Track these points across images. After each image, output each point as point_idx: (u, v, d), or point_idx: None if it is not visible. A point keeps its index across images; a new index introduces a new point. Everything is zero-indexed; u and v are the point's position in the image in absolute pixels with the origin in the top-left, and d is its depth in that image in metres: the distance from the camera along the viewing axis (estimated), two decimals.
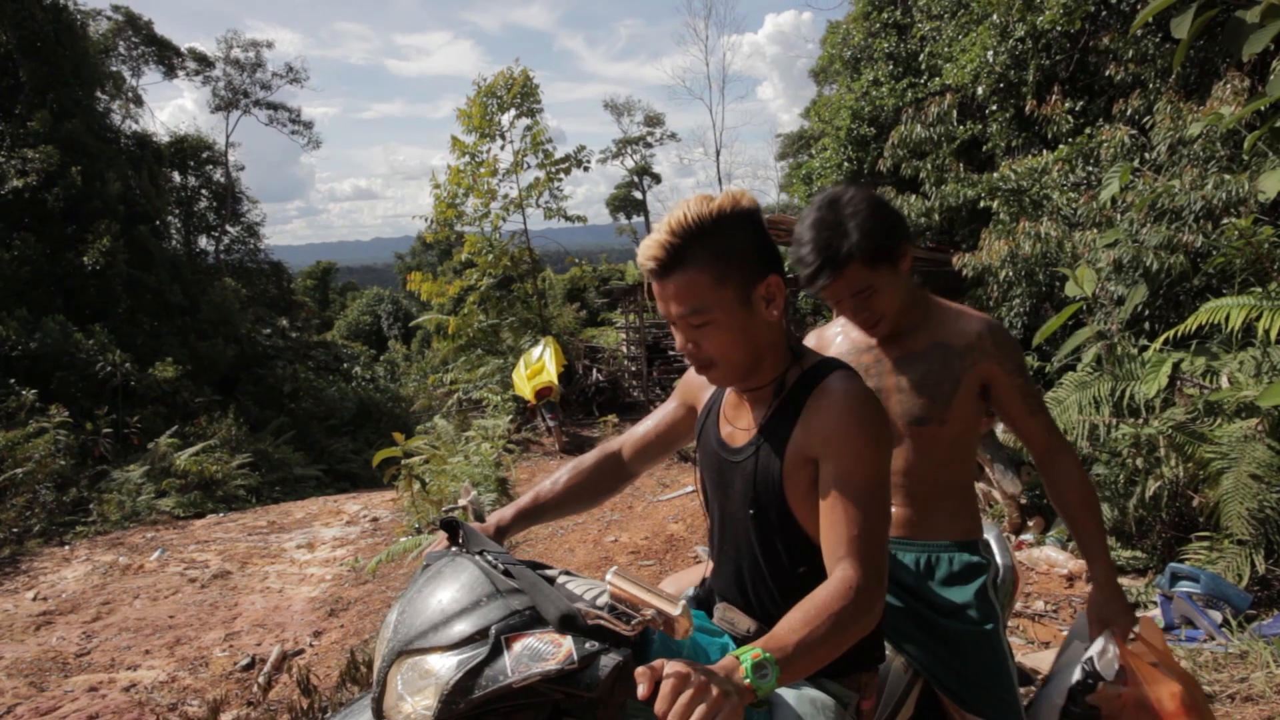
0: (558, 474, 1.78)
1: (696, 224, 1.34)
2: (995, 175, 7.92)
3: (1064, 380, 5.27)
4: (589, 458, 1.80)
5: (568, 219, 13.95)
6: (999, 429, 6.18)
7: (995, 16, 8.99)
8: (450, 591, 1.29)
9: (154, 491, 9.90)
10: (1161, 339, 4.83)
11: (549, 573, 1.34)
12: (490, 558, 1.36)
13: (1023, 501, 5.10)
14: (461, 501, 1.73)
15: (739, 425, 1.54)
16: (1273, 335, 4.04)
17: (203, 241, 26.29)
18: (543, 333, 13.12)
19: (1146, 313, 5.77)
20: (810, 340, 2.05)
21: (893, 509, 1.86)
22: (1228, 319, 4.28)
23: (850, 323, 1.90)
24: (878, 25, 11.70)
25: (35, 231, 16.14)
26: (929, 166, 8.82)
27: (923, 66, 10.74)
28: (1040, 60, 8.73)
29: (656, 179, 46.10)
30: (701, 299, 1.35)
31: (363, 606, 5.30)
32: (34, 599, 5.91)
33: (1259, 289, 4.56)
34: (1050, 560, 4.59)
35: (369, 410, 21.19)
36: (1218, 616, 3.65)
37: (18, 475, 8.66)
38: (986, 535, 2.02)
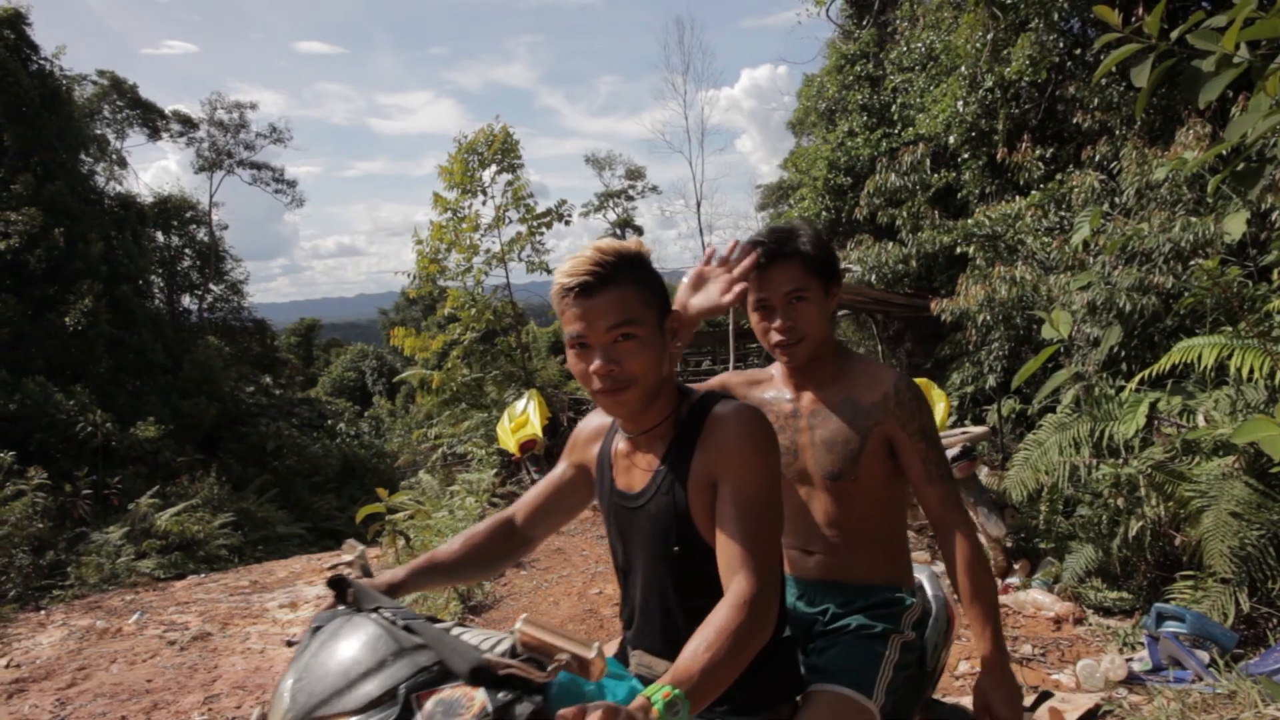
0: (455, 538, 1.75)
1: (624, 252, 1.44)
2: (970, 222, 8.07)
3: (1044, 422, 5.31)
4: (483, 525, 1.77)
5: (550, 272, 14.03)
6: (983, 473, 6.21)
7: (964, 68, 9.23)
8: (351, 652, 1.22)
9: (134, 553, 9.74)
10: (1137, 379, 4.88)
11: (444, 624, 1.30)
12: (388, 614, 1.29)
13: (1008, 545, 5.10)
14: (346, 557, 1.63)
15: (636, 469, 1.56)
16: (1244, 373, 4.10)
17: (186, 300, 26.29)
18: (527, 386, 13.10)
19: (1122, 353, 5.85)
20: (738, 389, 2.08)
21: (815, 556, 1.90)
22: (1200, 358, 4.34)
23: (776, 358, 1.94)
24: (851, 78, 11.99)
25: (16, 293, 16.11)
26: (905, 214, 8.97)
27: (895, 117, 10.99)
28: (1010, 109, 8.95)
29: (639, 231, 46.53)
30: (635, 312, 1.42)
31: None
32: (6, 666, 5.77)
33: (1229, 328, 4.63)
34: (1037, 603, 4.58)
35: (353, 467, 21.04)
36: (1205, 656, 3.64)
37: (5, 535, 8.51)
38: (918, 575, 2.03)
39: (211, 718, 4.55)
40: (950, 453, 5.29)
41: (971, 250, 7.84)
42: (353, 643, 1.23)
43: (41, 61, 18.61)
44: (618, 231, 44.85)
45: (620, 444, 1.61)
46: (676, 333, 1.51)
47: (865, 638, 1.77)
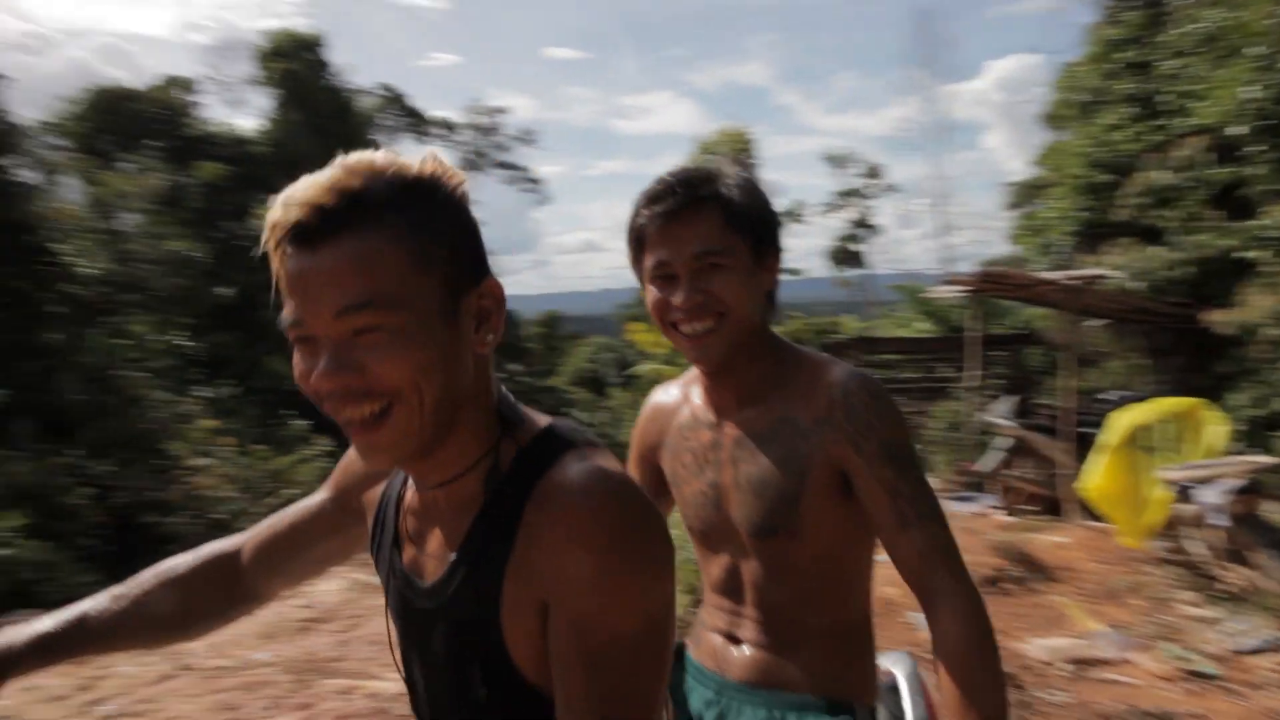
0: (134, 581, 1.09)
1: (395, 176, 0.80)
2: (1258, 223, 7.26)
3: None
4: (184, 562, 1.11)
5: (783, 271, 14.13)
6: (1270, 510, 5.50)
7: (1264, 47, 8.26)
8: None
9: None
10: None
11: None
12: None
13: None
14: None
15: (428, 546, 0.93)
16: None
17: None
18: None
19: None
20: (647, 410, 1.54)
21: (743, 649, 1.33)
22: None
23: (681, 350, 1.32)
24: (1116, 65, 11.08)
25: None
26: (1177, 215, 8.19)
27: (1174, 105, 10.04)
28: None
29: (877, 231, 45.19)
30: (386, 284, 0.77)
31: None
32: (299, 605, 6.69)
33: None
34: None
35: None
36: None
37: (294, 496, 9.83)
38: (890, 667, 1.46)
39: None
40: (1229, 484, 4.72)
41: (1260, 255, 7.04)
42: None
43: (332, 78, 21.10)
44: (855, 231, 43.76)
45: (409, 492, 0.98)
46: (490, 315, 0.85)
47: None
